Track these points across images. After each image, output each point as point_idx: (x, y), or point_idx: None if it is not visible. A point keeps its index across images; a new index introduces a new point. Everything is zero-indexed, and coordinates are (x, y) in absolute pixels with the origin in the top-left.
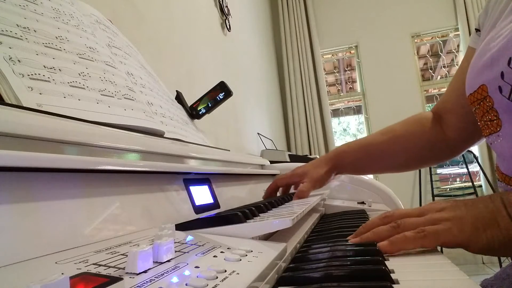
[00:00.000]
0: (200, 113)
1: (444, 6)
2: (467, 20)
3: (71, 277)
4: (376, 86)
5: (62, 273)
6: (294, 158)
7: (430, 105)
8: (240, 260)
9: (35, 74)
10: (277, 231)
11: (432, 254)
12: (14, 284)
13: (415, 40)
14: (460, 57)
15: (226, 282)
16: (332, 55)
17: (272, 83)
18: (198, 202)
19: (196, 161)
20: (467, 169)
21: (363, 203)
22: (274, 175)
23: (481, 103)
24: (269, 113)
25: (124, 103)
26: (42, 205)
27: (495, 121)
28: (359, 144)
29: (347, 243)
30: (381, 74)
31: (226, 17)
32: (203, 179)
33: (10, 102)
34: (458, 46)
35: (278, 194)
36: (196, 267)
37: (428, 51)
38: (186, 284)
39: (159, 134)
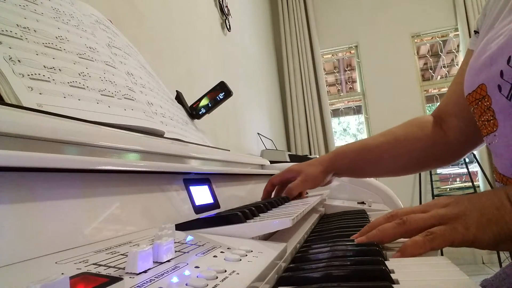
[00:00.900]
0: (200, 113)
1: (444, 6)
2: (467, 20)
3: (71, 277)
4: (376, 86)
5: (62, 273)
6: (294, 158)
7: (430, 105)
8: (240, 260)
9: (35, 74)
10: (277, 231)
11: (432, 254)
12: (14, 284)
13: (415, 40)
14: (460, 57)
15: (226, 282)
16: (332, 55)
17: (272, 83)
18: (198, 202)
19: (196, 161)
20: (467, 169)
21: (363, 203)
22: (274, 175)
23: (479, 102)
24: (269, 113)
25: (124, 103)
26: (42, 205)
27: (491, 121)
28: (358, 146)
29: (347, 243)
30: (381, 74)
31: (226, 17)
32: (203, 179)
33: (10, 102)
34: (458, 46)
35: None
36: (196, 267)
37: (428, 51)
38: (186, 284)
39: (159, 134)
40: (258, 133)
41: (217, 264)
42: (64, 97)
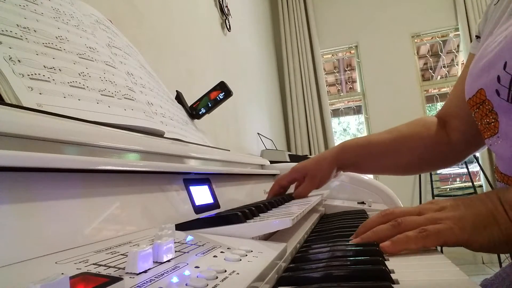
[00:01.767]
0: (200, 113)
1: (444, 6)
2: (467, 20)
3: (71, 277)
4: (376, 86)
5: (62, 273)
6: (294, 158)
7: (430, 105)
8: (240, 260)
9: (35, 74)
10: (277, 231)
11: (432, 254)
12: (14, 284)
13: (415, 40)
14: (460, 57)
15: (226, 282)
16: (332, 55)
17: (272, 83)
18: (198, 202)
19: (196, 161)
20: (467, 169)
21: (363, 203)
22: (274, 175)
23: (480, 106)
24: (269, 113)
25: (124, 103)
26: (42, 205)
27: (493, 124)
28: (363, 140)
29: (347, 243)
30: (381, 74)
31: (226, 17)
32: (203, 179)
33: (10, 102)
34: (458, 46)
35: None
36: (196, 267)
37: (428, 51)
38: (186, 284)
39: (159, 134)
40: (258, 133)
41: (217, 264)
42: (64, 97)
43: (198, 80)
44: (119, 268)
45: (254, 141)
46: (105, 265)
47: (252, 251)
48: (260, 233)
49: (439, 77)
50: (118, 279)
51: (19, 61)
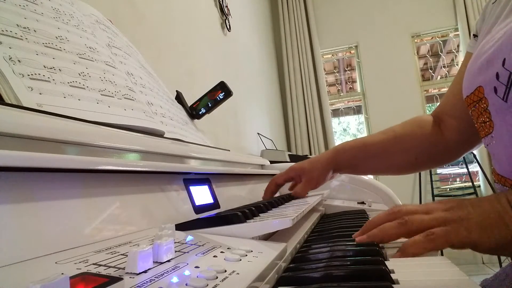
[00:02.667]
0: (200, 113)
1: (444, 6)
2: (467, 20)
3: (71, 277)
4: (376, 86)
5: (62, 273)
6: (294, 158)
7: (430, 105)
8: (240, 260)
9: (35, 74)
10: (277, 231)
11: (432, 254)
12: (14, 284)
13: (415, 40)
14: (460, 57)
15: (226, 282)
16: (332, 55)
17: (272, 83)
18: (198, 202)
19: (196, 161)
20: (467, 169)
21: (363, 203)
22: (274, 175)
23: (477, 105)
24: (269, 113)
25: (124, 103)
26: (42, 205)
27: (487, 123)
28: (358, 142)
29: (347, 243)
30: (381, 74)
31: (226, 17)
32: (203, 179)
33: (10, 102)
34: (458, 46)
35: (278, 194)
36: (196, 267)
37: (428, 51)
38: (186, 284)
39: (159, 134)
40: (258, 133)
41: (217, 264)
42: (64, 97)
43: (198, 80)
44: (119, 268)
45: (254, 141)
46: (105, 265)
47: (252, 251)
48: (260, 233)
49: (439, 77)
50: (118, 279)
51: (19, 61)
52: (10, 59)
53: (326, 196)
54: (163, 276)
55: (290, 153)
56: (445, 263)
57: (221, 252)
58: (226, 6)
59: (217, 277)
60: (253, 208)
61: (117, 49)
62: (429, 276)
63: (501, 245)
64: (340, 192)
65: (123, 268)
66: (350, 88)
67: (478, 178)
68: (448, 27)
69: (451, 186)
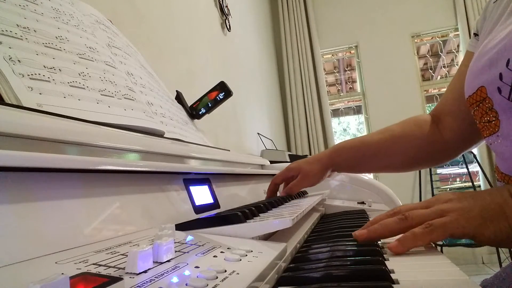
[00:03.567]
0: (200, 113)
1: (444, 6)
2: (467, 20)
3: (71, 277)
4: (376, 86)
5: (62, 273)
6: (294, 158)
7: (430, 105)
8: (240, 260)
9: (35, 74)
10: (277, 231)
11: (432, 254)
12: (14, 284)
13: (415, 40)
14: (460, 57)
15: (226, 282)
16: (332, 55)
17: (272, 83)
18: (198, 202)
19: (196, 161)
20: (467, 169)
21: (363, 203)
22: (274, 175)
23: (480, 104)
24: (269, 113)
25: (124, 103)
26: (42, 205)
27: (493, 122)
28: (356, 142)
29: (347, 243)
30: (381, 74)
31: (226, 17)
32: (203, 179)
33: (10, 102)
34: (458, 46)
35: (279, 193)
36: (196, 267)
37: (428, 51)
38: (186, 284)
39: (159, 134)
40: (258, 133)
41: (217, 264)
42: (64, 97)
43: (198, 80)
44: (119, 268)
45: (254, 141)
46: (105, 265)
47: (252, 251)
48: (260, 233)
49: (439, 77)
50: (118, 279)
51: (19, 61)
52: (10, 59)
53: (326, 196)
54: (163, 276)
55: (290, 153)
56: (445, 263)
57: (221, 252)
58: (226, 6)
59: (217, 277)
60: (253, 208)
61: (117, 49)
62: (429, 276)
63: (500, 237)
64: (340, 192)
65: (123, 268)
66: (350, 88)
67: (478, 178)
68: (448, 27)
69: (451, 186)
